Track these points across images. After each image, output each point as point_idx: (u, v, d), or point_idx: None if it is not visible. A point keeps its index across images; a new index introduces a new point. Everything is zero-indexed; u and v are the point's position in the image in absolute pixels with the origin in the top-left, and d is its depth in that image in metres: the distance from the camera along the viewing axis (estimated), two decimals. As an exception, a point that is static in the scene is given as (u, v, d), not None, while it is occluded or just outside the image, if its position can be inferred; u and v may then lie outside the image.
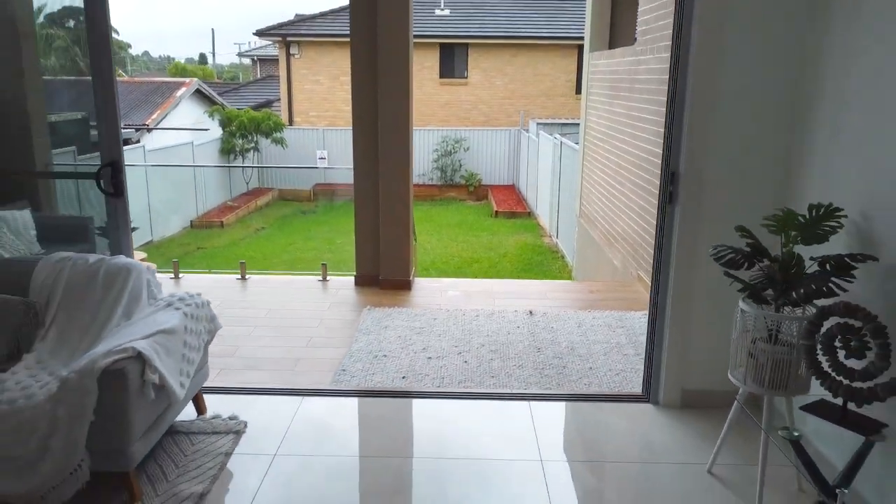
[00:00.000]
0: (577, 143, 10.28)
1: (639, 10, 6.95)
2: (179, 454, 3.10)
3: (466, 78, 20.65)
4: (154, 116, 14.73)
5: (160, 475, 2.95)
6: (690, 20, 3.20)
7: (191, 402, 3.45)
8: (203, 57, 52.77)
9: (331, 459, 3.17)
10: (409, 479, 3.05)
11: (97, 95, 3.34)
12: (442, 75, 20.51)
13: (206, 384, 3.57)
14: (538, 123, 16.23)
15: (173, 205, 13.77)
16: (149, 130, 14.13)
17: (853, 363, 2.41)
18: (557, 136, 12.58)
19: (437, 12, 20.87)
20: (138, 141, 13.81)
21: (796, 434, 2.38)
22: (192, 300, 3.26)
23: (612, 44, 8.90)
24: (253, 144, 17.45)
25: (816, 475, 2.29)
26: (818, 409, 2.52)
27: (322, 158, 18.46)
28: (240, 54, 37.71)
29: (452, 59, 20.50)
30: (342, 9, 20.97)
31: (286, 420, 3.50)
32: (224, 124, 17.10)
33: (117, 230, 3.48)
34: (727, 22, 3.15)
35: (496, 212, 16.00)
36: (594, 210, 8.71)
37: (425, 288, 6.05)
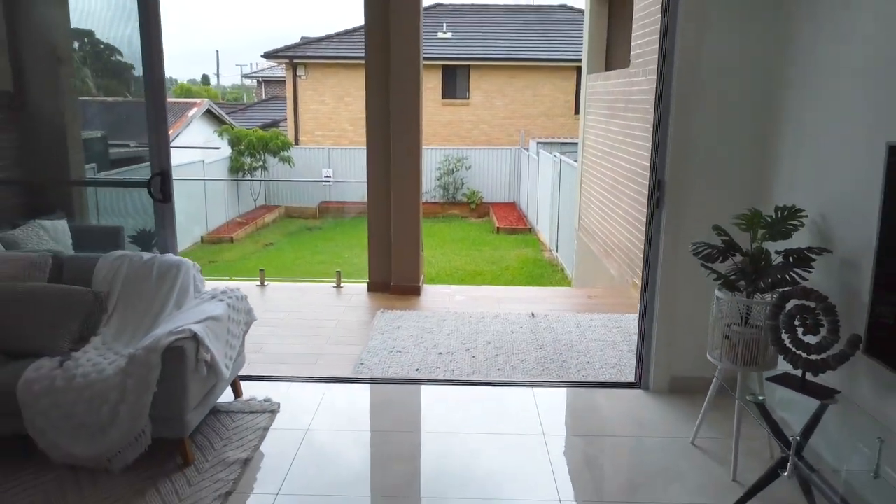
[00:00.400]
0: (575, 161, 10.74)
1: (632, 34, 7.43)
2: (223, 429, 3.50)
3: (468, 98, 21.20)
4: (167, 135, 15.21)
5: (208, 445, 3.34)
6: (673, 49, 3.65)
7: (229, 387, 3.85)
8: (206, 78, 53.54)
9: (355, 434, 3.57)
10: (419, 449, 3.44)
11: (150, 114, 3.79)
12: (444, 96, 21.07)
13: (239, 374, 3.97)
14: (538, 143, 16.72)
15: (187, 220, 14.21)
16: (162, 149, 14.60)
17: (810, 339, 2.82)
18: (557, 154, 13.05)
19: (440, 35, 21.49)
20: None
21: (761, 398, 2.79)
22: (234, 293, 3.67)
23: (609, 66, 9.39)
24: (261, 163, 17.95)
25: (778, 432, 2.69)
26: (782, 380, 2.92)
27: (328, 176, 18.95)
28: (245, 76, 38.44)
29: (454, 81, 21.08)
30: (347, 32, 21.61)
31: (314, 403, 3.90)
32: (233, 143, 17.60)
33: (164, 231, 3.91)
34: (703, 52, 3.60)
35: (498, 228, 16.45)
36: (592, 223, 9.14)
37: (434, 293, 6.46)
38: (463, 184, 19.28)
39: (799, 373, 2.86)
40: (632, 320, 5.54)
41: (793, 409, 2.87)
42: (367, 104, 6.18)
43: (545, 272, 12.36)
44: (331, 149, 19.64)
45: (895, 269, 2.58)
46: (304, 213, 18.75)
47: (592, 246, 9.07)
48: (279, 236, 16.31)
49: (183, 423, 3.08)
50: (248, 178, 17.84)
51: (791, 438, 2.42)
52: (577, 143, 10.80)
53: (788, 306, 2.89)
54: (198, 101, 18.69)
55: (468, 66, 20.98)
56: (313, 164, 18.99)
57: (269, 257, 13.95)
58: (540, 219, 15.08)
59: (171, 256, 3.71)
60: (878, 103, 2.78)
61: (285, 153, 18.02)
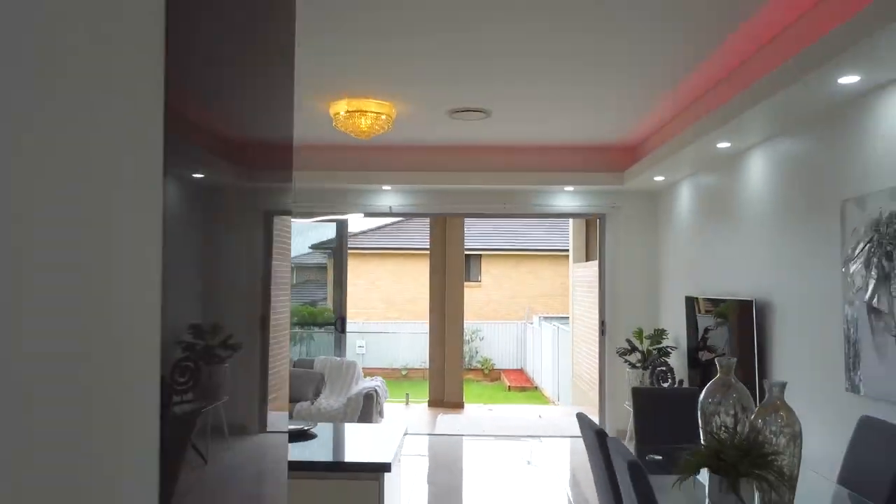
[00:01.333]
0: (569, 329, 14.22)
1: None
2: (378, 448, 6.66)
3: (480, 281, 25.21)
4: (242, 311, 18.85)
5: (374, 452, 6.51)
6: (604, 250, 7.29)
7: (373, 433, 7.02)
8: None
9: (436, 456, 6.73)
10: (463, 449, 6.58)
11: (336, 286, 7.35)
12: (460, 279, 25.04)
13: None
14: (541, 317, 20.31)
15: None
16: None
17: (664, 378, 6.13)
18: (556, 324, 16.58)
19: (456, 230, 25.94)
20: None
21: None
22: (379, 379, 7.00)
23: (588, 257, 13.16)
24: (309, 333, 21.49)
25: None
26: (657, 406, 6.19)
27: (361, 346, 22.36)
28: (277, 263, 43.03)
29: (468, 267, 25.20)
30: (378, 227, 26.19)
31: (419, 441, 7.05)
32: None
33: (340, 348, 7.31)
34: (619, 252, 7.24)
35: (509, 387, 19.54)
36: (582, 370, 12.41)
37: (473, 407, 9.67)
38: (477, 352, 22.61)
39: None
40: (603, 417, 8.69)
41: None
42: (430, 283, 9.82)
43: (549, 417, 15.33)
44: (363, 323, 23.24)
45: (695, 355, 5.95)
46: (341, 378, 21.90)
47: (583, 386, 12.27)
48: (325, 395, 19.36)
49: (369, 433, 6.29)
50: (297, 349, 21.25)
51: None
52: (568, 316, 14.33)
53: (658, 370, 6.22)
54: (261, 284, 22.56)
55: (480, 254, 25.23)
56: (350, 335, 22.49)
57: (322, 409, 16.96)
58: (544, 379, 18.26)
59: (347, 359, 7.07)
60: (684, 274, 6.32)
61: (329, 326, 21.62)
